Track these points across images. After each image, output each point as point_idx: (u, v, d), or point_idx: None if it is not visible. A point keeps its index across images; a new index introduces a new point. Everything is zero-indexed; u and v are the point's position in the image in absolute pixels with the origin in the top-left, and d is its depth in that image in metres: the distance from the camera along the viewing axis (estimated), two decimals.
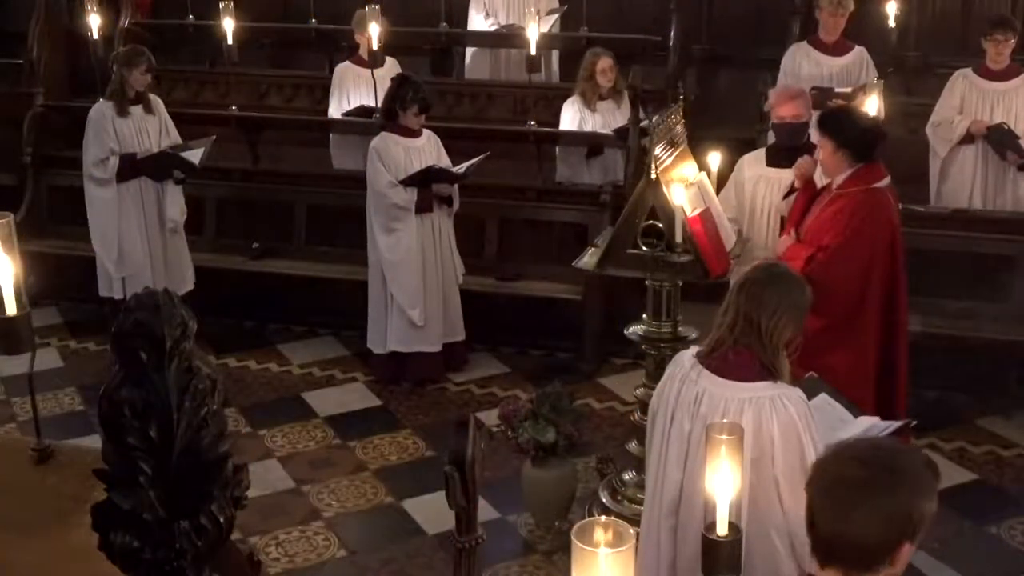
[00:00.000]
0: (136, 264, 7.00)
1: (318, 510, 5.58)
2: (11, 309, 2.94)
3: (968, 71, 6.92)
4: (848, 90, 6.81)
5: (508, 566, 5.11)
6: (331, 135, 8.21)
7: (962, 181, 6.93)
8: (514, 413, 5.31)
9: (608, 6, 9.10)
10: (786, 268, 3.70)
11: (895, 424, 3.94)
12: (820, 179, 5.23)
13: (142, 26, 9.30)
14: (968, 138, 6.85)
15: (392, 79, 6.78)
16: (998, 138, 6.75)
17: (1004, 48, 6.77)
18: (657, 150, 4.82)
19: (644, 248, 4.82)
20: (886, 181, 4.94)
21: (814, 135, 5.32)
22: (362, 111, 7.80)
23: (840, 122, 4.96)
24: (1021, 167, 6.79)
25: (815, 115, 5.41)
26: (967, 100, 6.89)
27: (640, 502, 4.33)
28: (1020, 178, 6.85)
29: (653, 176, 4.79)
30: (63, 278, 7.78)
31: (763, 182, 5.52)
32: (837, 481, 2.15)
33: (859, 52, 7.20)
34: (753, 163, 5.62)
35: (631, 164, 6.84)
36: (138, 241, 7.01)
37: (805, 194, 5.15)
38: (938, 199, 6.99)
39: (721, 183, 5.43)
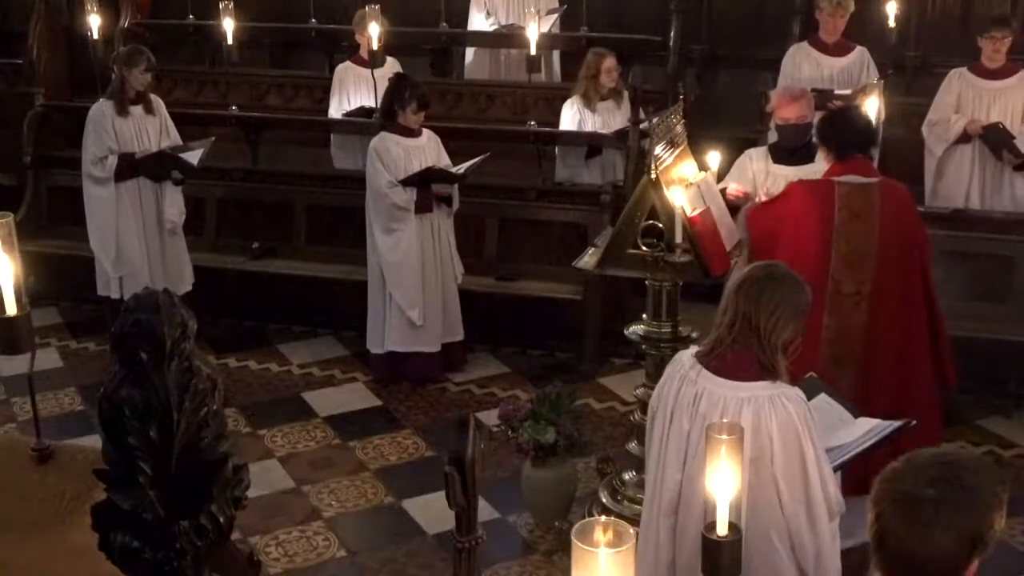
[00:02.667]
0: (134, 264, 6.99)
1: (318, 510, 5.58)
2: (11, 309, 2.94)
3: (964, 70, 6.92)
4: (847, 92, 6.80)
5: (508, 566, 5.11)
6: (332, 135, 8.21)
7: (959, 180, 6.92)
8: (514, 413, 5.31)
9: (608, 6, 9.11)
10: (785, 268, 3.69)
11: (895, 424, 3.93)
12: None
13: (142, 26, 9.29)
14: (964, 137, 6.85)
15: (389, 79, 6.78)
16: (994, 138, 6.75)
17: (1001, 46, 6.78)
18: (657, 150, 4.82)
19: (644, 248, 4.82)
20: (849, 177, 4.82)
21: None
22: (362, 111, 7.80)
23: (828, 129, 4.95)
24: (1017, 167, 6.80)
25: (817, 116, 5.41)
26: (963, 99, 6.88)
27: (640, 502, 4.33)
28: (1016, 178, 6.84)
29: (653, 176, 4.79)
30: (63, 278, 7.78)
31: (770, 178, 5.55)
32: (908, 499, 2.08)
33: (860, 52, 7.18)
34: (759, 158, 5.65)
35: (631, 164, 6.84)
36: (136, 241, 6.99)
37: None
38: (934, 197, 6.97)
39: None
